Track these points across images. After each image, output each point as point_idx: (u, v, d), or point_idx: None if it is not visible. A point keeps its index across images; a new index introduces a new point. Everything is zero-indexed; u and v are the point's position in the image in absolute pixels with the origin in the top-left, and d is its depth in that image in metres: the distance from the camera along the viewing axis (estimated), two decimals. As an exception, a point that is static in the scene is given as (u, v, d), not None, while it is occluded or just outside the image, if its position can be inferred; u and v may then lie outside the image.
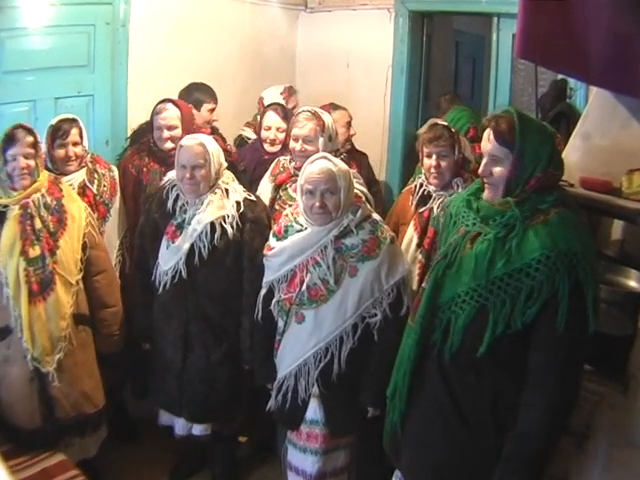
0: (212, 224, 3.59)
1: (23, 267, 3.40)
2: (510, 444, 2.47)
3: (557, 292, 2.36)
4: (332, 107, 4.88)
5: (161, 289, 3.68)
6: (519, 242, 2.43)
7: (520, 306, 2.40)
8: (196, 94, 4.91)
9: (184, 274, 3.60)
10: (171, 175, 3.80)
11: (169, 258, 3.64)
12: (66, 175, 3.91)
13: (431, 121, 4.42)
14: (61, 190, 3.64)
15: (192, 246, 3.59)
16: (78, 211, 3.65)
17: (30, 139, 3.49)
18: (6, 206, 3.47)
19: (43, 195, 3.53)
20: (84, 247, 3.64)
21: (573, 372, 2.45)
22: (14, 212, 3.45)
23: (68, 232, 3.57)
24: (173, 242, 3.63)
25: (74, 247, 3.59)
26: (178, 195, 3.70)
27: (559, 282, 2.35)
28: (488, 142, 2.55)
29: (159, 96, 4.45)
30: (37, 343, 3.42)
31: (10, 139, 3.46)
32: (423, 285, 2.74)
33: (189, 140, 3.66)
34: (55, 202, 3.57)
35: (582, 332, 2.39)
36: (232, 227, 3.61)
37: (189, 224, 3.61)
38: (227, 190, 3.71)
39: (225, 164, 3.78)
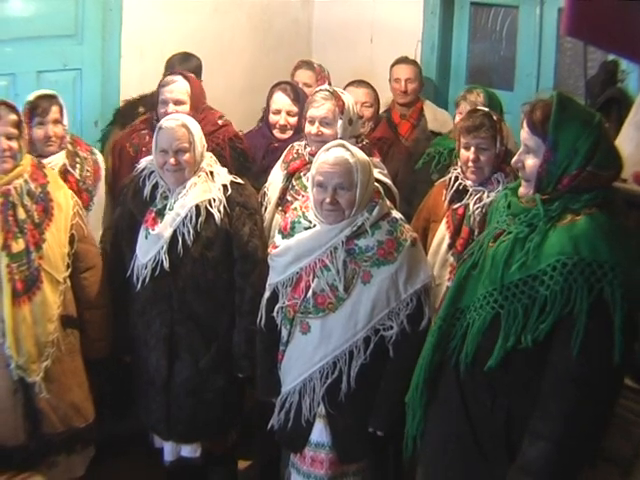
0: (197, 208, 3.58)
1: (5, 263, 3.38)
2: (510, 476, 2.43)
3: (574, 308, 2.31)
4: (355, 84, 4.88)
5: (139, 286, 3.65)
6: (538, 245, 2.41)
7: (533, 319, 2.37)
8: None
9: (166, 265, 3.57)
10: (146, 162, 3.78)
11: (148, 248, 3.62)
12: (45, 157, 3.89)
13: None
14: (46, 176, 3.61)
15: (175, 233, 3.57)
16: (65, 199, 3.64)
17: (13, 117, 3.47)
18: None
19: (26, 181, 3.51)
20: (71, 240, 3.63)
21: (591, 405, 2.35)
22: None
23: (55, 223, 3.55)
24: (153, 230, 3.61)
25: (61, 240, 3.57)
26: (157, 182, 3.69)
27: (576, 296, 2.30)
28: (522, 129, 2.54)
29: (156, 71, 4.47)
30: (22, 349, 3.41)
31: None
32: (448, 284, 2.74)
33: (170, 121, 3.63)
34: (40, 189, 3.55)
35: (602, 361, 2.30)
36: (219, 212, 3.61)
37: (171, 209, 3.59)
38: (212, 173, 3.70)
39: (205, 145, 3.75)
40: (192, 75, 4.43)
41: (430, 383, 2.70)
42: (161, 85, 4.28)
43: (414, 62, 5.57)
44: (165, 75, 4.55)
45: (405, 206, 4.14)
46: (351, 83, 4.89)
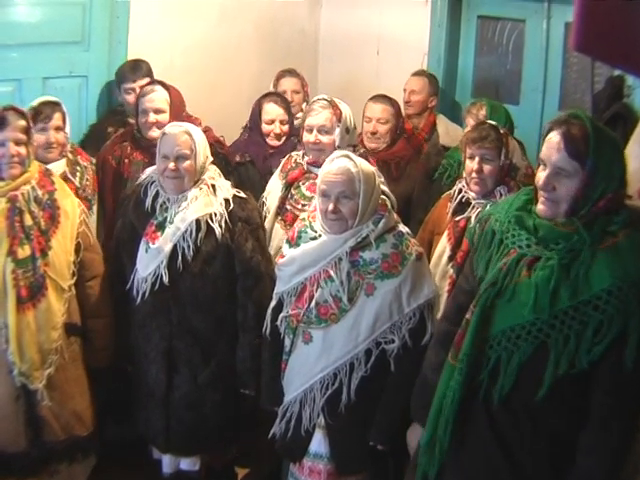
0: (198, 222, 3.57)
1: (11, 269, 3.37)
2: None
3: (627, 326, 2.33)
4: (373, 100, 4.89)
5: (139, 299, 3.64)
6: (587, 270, 2.39)
7: (586, 343, 2.37)
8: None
9: (165, 280, 3.57)
10: (149, 171, 3.79)
11: (148, 262, 3.61)
12: (45, 164, 3.85)
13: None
14: (53, 183, 3.61)
15: (175, 247, 3.57)
16: (72, 207, 3.63)
17: (22, 123, 3.46)
18: None
19: (34, 188, 3.50)
20: (77, 248, 3.62)
21: (636, 415, 2.43)
22: (0, 206, 3.41)
23: (61, 230, 3.55)
24: (153, 244, 3.60)
25: (67, 248, 3.57)
26: (158, 192, 3.68)
27: (630, 315, 2.32)
28: (556, 151, 2.46)
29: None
30: (25, 356, 3.39)
31: None
32: (467, 317, 2.67)
33: (173, 127, 3.65)
34: (47, 196, 3.54)
35: None
36: (220, 227, 3.59)
37: (171, 223, 3.58)
38: (214, 186, 3.68)
39: (211, 158, 3.76)
40: (171, 85, 4.47)
41: (459, 422, 2.64)
42: (140, 95, 4.33)
43: (428, 76, 5.56)
44: (123, 87, 4.75)
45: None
46: (371, 98, 4.91)
